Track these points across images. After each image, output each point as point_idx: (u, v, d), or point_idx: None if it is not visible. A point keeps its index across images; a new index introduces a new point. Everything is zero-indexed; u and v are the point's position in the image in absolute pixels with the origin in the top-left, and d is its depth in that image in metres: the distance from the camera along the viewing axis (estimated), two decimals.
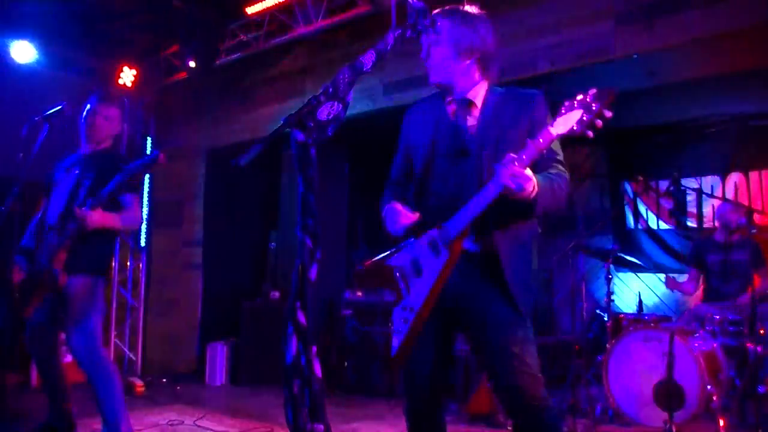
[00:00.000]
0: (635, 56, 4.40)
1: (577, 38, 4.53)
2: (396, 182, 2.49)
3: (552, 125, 1.98)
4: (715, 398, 4.02)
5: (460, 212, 2.10)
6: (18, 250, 3.49)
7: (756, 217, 5.21)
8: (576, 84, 4.91)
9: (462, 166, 2.19)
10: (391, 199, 2.40)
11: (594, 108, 1.91)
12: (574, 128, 1.93)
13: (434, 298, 2.12)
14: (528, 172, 1.98)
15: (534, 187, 2.01)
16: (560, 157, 2.25)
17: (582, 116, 1.92)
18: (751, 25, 3.95)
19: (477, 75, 2.29)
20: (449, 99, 2.34)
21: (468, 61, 2.26)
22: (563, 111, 1.97)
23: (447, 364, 2.36)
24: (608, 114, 1.92)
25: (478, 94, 2.29)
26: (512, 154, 1.98)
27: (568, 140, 2.22)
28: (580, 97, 1.95)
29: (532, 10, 4.79)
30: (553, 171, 2.19)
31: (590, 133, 1.94)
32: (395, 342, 2.19)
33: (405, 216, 2.24)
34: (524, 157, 1.98)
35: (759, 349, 4.17)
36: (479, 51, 2.27)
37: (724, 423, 3.90)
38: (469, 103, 2.29)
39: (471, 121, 2.27)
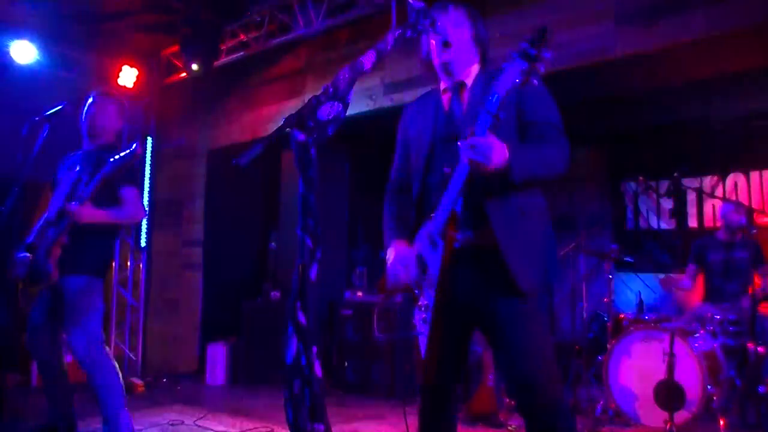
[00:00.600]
0: (635, 56, 4.39)
1: (578, 38, 4.53)
2: (398, 184, 2.49)
3: (497, 84, 1.96)
4: (715, 398, 4.02)
5: (443, 199, 2.09)
6: (22, 247, 3.48)
7: (756, 217, 5.21)
8: (576, 84, 4.96)
9: (454, 152, 2.13)
10: (395, 227, 2.38)
11: (532, 54, 1.91)
12: (518, 80, 1.92)
13: (443, 292, 2.09)
14: (491, 139, 1.94)
15: (505, 153, 1.96)
16: (555, 123, 2.20)
17: (522, 66, 1.92)
18: (752, 26, 3.95)
19: (476, 61, 2.35)
20: (444, 88, 2.35)
21: (476, 49, 2.33)
22: (504, 67, 1.95)
23: (462, 362, 2.33)
24: (548, 55, 1.91)
25: (471, 77, 2.32)
26: (469, 127, 1.97)
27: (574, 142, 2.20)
28: (516, 48, 1.94)
29: (533, 10, 4.79)
30: (546, 137, 2.16)
31: (535, 81, 1.93)
32: (422, 343, 2.17)
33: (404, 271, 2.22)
34: (479, 126, 1.95)
35: (759, 349, 4.18)
36: (485, 40, 2.35)
37: (725, 423, 3.91)
38: (462, 85, 2.31)
39: (462, 106, 2.28)
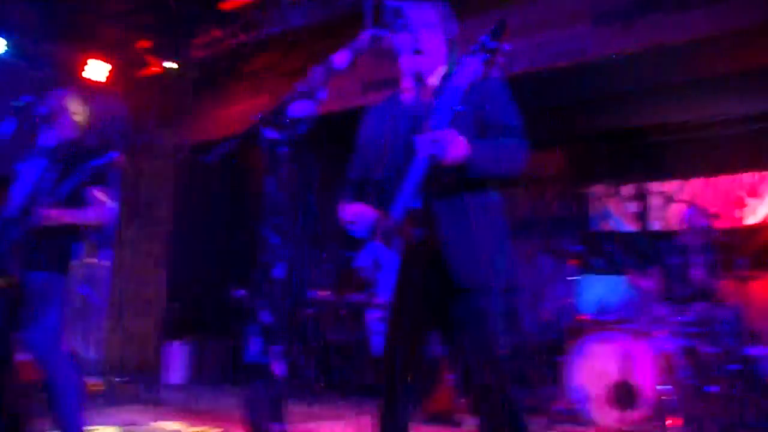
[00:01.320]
0: (613, 56, 4.43)
1: (555, 39, 4.57)
2: (355, 184, 2.49)
3: (457, 77, 1.97)
4: (669, 398, 4.10)
5: (399, 195, 2.08)
6: None
7: (717, 221, 5.34)
8: (552, 84, 5.00)
9: (412, 148, 2.09)
10: (351, 199, 2.41)
11: (491, 46, 1.93)
12: (477, 72, 1.94)
13: (400, 290, 2.08)
14: (449, 132, 1.95)
15: (463, 147, 1.97)
16: (514, 123, 2.20)
17: (482, 58, 1.94)
18: (722, 32, 4.03)
19: (444, 62, 2.32)
20: (408, 87, 2.33)
21: (445, 50, 2.31)
22: (464, 60, 1.97)
23: (420, 361, 2.31)
24: (507, 47, 1.93)
25: (437, 77, 2.29)
26: (428, 121, 1.97)
27: (533, 144, 2.22)
28: (476, 41, 1.96)
29: (511, 11, 4.81)
30: (506, 138, 2.16)
31: (494, 74, 1.96)
32: (377, 343, 2.16)
33: (366, 213, 2.24)
34: (439, 119, 1.96)
35: (713, 350, 4.27)
36: (455, 41, 2.32)
37: (678, 422, 3.99)
38: (427, 85, 2.28)
39: (424, 103, 2.25)
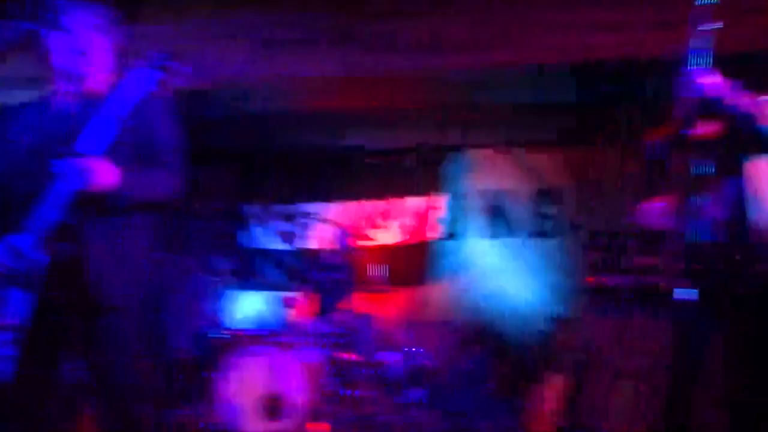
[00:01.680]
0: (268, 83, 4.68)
1: (214, 60, 4.65)
2: None
3: (121, 90, 1.97)
4: (316, 405, 4.44)
5: (41, 210, 1.97)
6: None
7: (356, 241, 5.99)
8: (212, 103, 5.05)
9: (60, 164, 1.99)
10: None
11: (160, 63, 1.98)
12: (145, 87, 1.96)
13: (38, 309, 1.95)
14: (98, 162, 1.95)
15: (111, 178, 1.97)
16: (173, 143, 2.20)
17: (150, 74, 1.97)
18: (386, 71, 4.58)
19: (110, 70, 2.22)
20: (62, 90, 2.18)
21: (112, 57, 2.21)
22: (131, 74, 1.98)
23: (57, 386, 2.21)
24: (179, 67, 2.00)
25: (101, 86, 2.18)
26: (77, 146, 1.94)
27: (189, 161, 2.24)
28: (146, 56, 2.00)
29: (180, 27, 4.74)
30: (163, 159, 2.16)
31: (163, 93, 2.00)
32: (3, 368, 1.96)
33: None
34: (91, 143, 1.94)
35: (353, 357, 4.77)
36: (120, 47, 2.24)
37: (325, 427, 4.34)
38: (88, 94, 2.16)
39: (81, 115, 2.12)
